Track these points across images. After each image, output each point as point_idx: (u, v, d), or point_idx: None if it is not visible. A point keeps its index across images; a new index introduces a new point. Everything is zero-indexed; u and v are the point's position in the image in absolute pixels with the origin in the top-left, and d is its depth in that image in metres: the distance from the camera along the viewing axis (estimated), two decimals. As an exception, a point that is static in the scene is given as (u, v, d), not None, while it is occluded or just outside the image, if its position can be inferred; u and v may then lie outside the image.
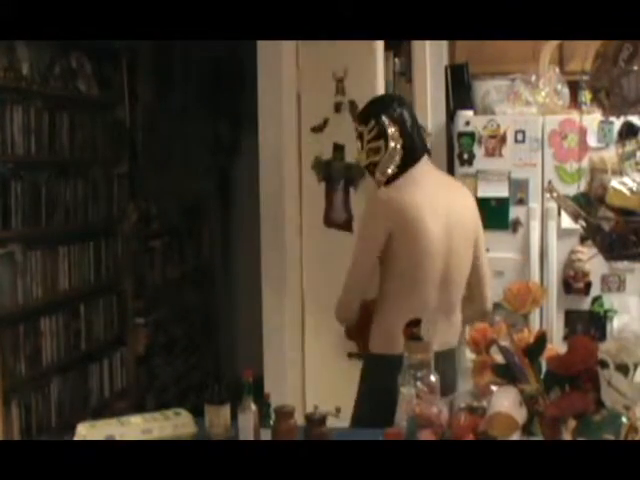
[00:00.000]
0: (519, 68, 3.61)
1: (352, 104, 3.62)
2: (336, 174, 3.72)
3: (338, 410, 2.45)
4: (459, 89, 3.68)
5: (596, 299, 3.44)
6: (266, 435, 2.19)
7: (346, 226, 3.69)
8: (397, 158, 2.76)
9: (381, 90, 3.64)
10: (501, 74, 3.64)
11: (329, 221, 3.75)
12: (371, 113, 2.83)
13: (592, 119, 3.33)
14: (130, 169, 5.10)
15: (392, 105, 2.85)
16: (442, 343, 2.62)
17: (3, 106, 4.02)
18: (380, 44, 3.64)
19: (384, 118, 2.78)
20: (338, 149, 3.70)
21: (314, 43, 3.56)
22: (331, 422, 2.32)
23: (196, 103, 5.93)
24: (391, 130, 2.78)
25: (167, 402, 5.05)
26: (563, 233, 3.41)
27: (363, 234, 2.82)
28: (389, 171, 2.76)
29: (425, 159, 2.80)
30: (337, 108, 3.69)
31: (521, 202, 3.48)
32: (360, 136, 2.83)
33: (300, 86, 3.80)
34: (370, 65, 3.63)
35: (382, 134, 2.78)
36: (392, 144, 2.76)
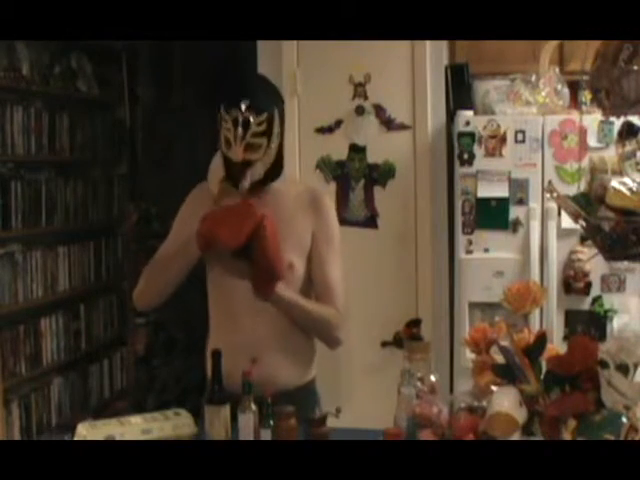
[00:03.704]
0: (519, 68, 3.60)
1: (378, 108, 3.70)
2: (355, 174, 3.76)
3: (338, 410, 2.44)
4: (459, 89, 3.67)
5: (596, 299, 3.44)
6: (266, 435, 2.19)
7: (369, 223, 3.77)
8: (269, 163, 2.41)
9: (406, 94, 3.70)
10: (501, 74, 3.64)
11: (342, 219, 3.78)
12: (266, 102, 2.39)
13: (592, 119, 3.33)
14: (130, 169, 5.11)
15: (282, 99, 2.51)
16: None
17: (3, 106, 4.02)
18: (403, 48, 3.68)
19: (276, 112, 2.41)
20: (358, 150, 3.75)
21: (324, 46, 3.57)
22: (331, 422, 2.32)
23: (196, 103, 5.92)
24: (277, 128, 2.41)
25: (167, 402, 5.05)
26: (563, 233, 3.41)
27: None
28: (257, 177, 2.40)
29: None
30: (359, 111, 3.73)
31: (521, 202, 3.48)
32: (244, 125, 2.33)
33: (302, 87, 3.81)
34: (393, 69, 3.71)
35: (269, 130, 2.37)
36: (273, 145, 2.40)
